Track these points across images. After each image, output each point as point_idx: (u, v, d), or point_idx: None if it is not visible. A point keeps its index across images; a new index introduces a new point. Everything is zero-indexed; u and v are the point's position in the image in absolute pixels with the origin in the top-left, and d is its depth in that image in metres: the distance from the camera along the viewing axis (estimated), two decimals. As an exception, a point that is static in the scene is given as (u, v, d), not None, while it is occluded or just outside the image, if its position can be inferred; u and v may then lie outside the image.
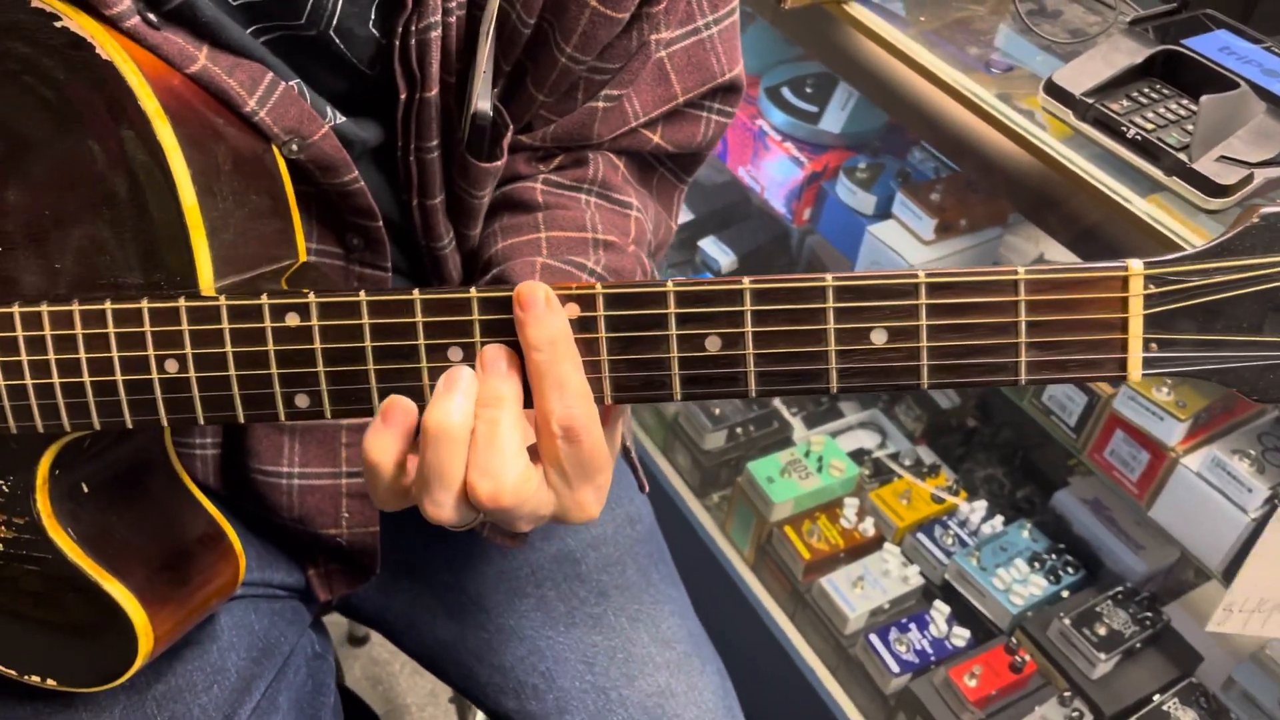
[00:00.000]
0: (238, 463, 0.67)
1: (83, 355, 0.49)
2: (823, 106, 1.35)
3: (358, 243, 0.61)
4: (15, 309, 0.50)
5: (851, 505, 1.34)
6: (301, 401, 0.48)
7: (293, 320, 0.48)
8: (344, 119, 0.58)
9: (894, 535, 1.32)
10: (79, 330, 0.49)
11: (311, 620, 0.78)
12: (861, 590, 1.26)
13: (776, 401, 1.49)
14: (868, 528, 1.33)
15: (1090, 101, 0.89)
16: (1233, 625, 0.61)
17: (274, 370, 0.48)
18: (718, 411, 1.43)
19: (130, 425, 0.50)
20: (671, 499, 1.45)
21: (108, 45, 0.48)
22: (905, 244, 1.25)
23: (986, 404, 1.43)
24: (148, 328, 0.49)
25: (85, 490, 0.56)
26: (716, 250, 1.54)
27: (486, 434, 0.45)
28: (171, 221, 0.49)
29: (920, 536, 1.30)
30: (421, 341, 0.47)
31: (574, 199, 0.66)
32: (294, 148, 0.54)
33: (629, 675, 0.75)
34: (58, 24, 0.48)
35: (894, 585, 1.27)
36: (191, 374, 0.49)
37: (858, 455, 1.41)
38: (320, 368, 0.48)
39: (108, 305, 0.49)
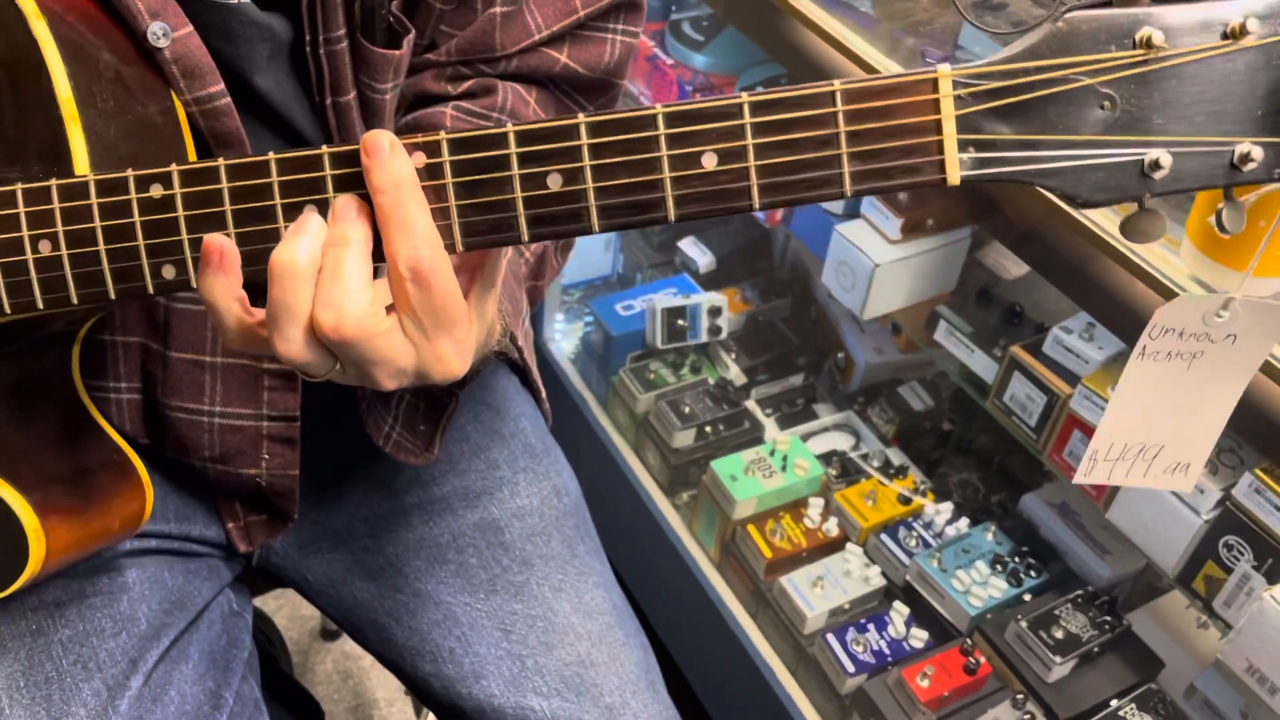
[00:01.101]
0: (156, 404, 0.68)
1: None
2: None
3: None
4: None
5: (816, 505, 1.33)
6: (168, 272, 0.50)
7: (156, 191, 0.49)
8: (247, 0, 0.59)
9: (858, 536, 1.30)
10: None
11: (231, 580, 0.78)
12: (821, 590, 1.25)
13: (750, 402, 1.49)
14: (831, 528, 1.31)
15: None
16: (1099, 475, 0.61)
17: (140, 242, 0.50)
18: (687, 410, 1.43)
19: (8, 310, 0.51)
20: (640, 497, 1.44)
21: None
22: (872, 243, 1.25)
23: (961, 406, 1.42)
24: (21, 209, 0.51)
25: None
26: (695, 250, 1.55)
27: (331, 269, 0.46)
28: (49, 116, 0.51)
29: (884, 538, 1.28)
30: (278, 201, 0.48)
31: (483, 126, 0.68)
32: (158, 34, 0.55)
33: (547, 644, 0.75)
34: None
35: (855, 585, 1.25)
36: (64, 251, 0.50)
37: (829, 457, 1.40)
38: (184, 235, 0.49)
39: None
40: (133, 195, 0.50)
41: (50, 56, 0.51)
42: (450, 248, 0.48)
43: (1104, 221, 0.85)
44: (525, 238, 0.48)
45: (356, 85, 0.62)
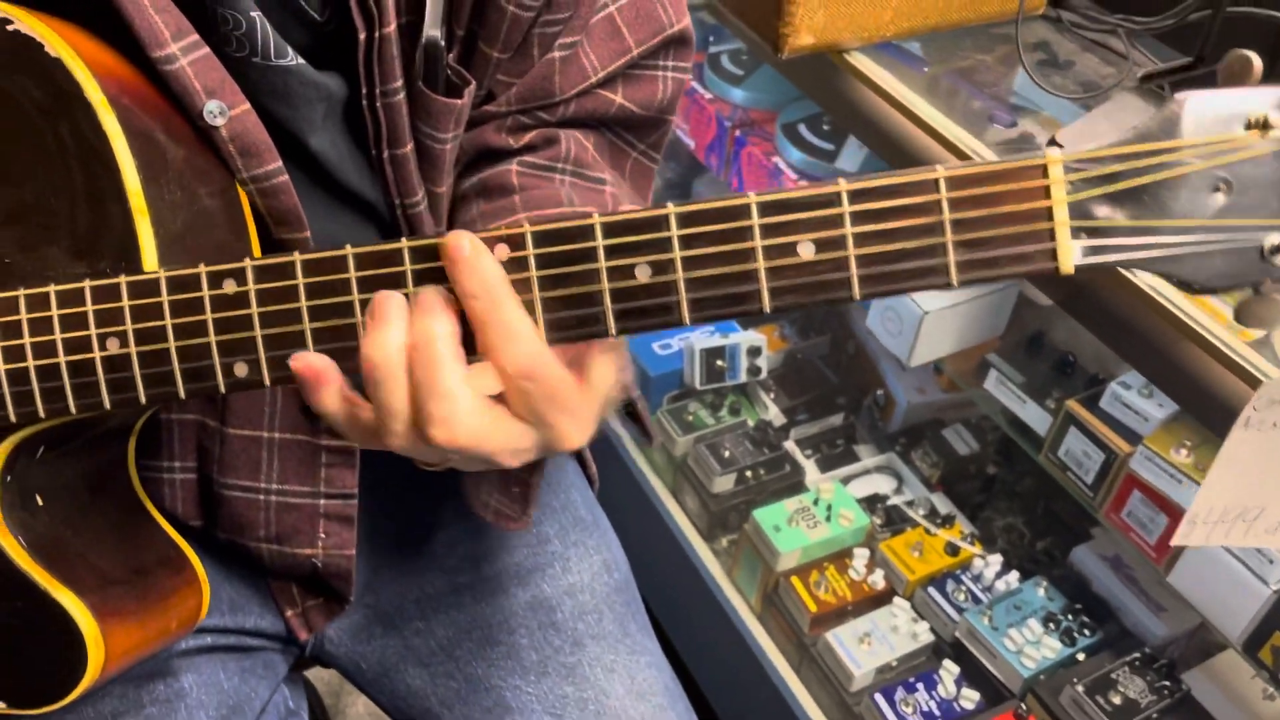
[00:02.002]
0: (211, 482, 0.66)
1: (26, 340, 0.49)
2: (839, 145, 1.34)
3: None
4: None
5: (861, 556, 1.30)
6: (240, 370, 0.48)
7: (230, 287, 0.47)
8: (303, 61, 0.57)
9: (904, 589, 1.27)
10: (23, 315, 0.49)
11: (286, 674, 0.76)
12: (869, 646, 1.22)
13: (789, 444, 1.46)
14: (877, 580, 1.28)
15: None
16: (1198, 538, 0.60)
17: (212, 339, 0.47)
18: (727, 454, 1.41)
19: (74, 410, 0.49)
20: (679, 542, 1.42)
21: (55, 43, 0.49)
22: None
23: (1008, 452, 1.39)
24: (89, 307, 0.48)
25: (39, 503, 0.55)
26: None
27: (428, 381, 0.44)
28: (117, 208, 0.49)
29: (931, 591, 1.25)
30: (355, 297, 0.46)
31: (549, 179, 0.66)
32: (215, 112, 0.53)
33: None
34: (9, 28, 0.49)
35: (903, 642, 1.22)
36: (132, 349, 0.48)
37: (871, 501, 1.37)
38: (257, 332, 0.47)
39: (51, 289, 0.49)
40: (205, 292, 0.47)
41: (119, 149, 0.49)
42: None
43: (1152, 278, 0.82)
44: (613, 331, 0.46)
45: (414, 136, 0.61)
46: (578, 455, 0.85)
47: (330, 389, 0.46)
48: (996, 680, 1.17)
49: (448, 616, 0.75)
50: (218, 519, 0.66)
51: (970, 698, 1.17)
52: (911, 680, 1.19)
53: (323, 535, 0.67)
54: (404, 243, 0.46)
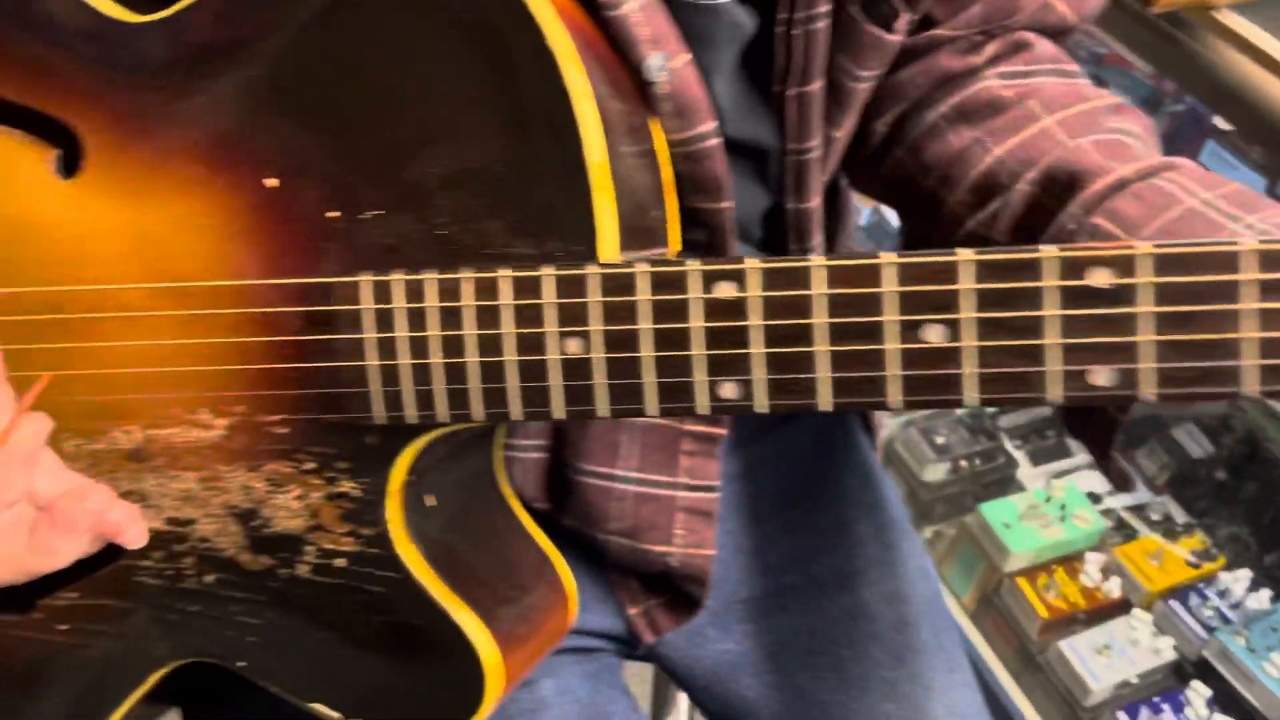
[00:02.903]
0: (564, 467, 0.59)
1: (471, 332, 0.42)
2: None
3: (700, 237, 0.53)
4: (399, 276, 0.43)
5: (1094, 561, 1.21)
6: (728, 391, 0.40)
7: (726, 291, 0.40)
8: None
9: (1142, 600, 1.18)
10: (468, 303, 0.42)
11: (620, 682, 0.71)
12: (1107, 659, 1.14)
13: (1003, 435, 1.37)
14: (1112, 588, 1.20)
15: None
16: None
17: (698, 351, 0.40)
18: (941, 441, 1.32)
19: (520, 416, 0.43)
20: (881, 532, 1.34)
21: None
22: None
23: (1252, 453, 1.29)
24: (550, 299, 0.41)
25: (431, 504, 0.48)
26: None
27: None
28: (574, 181, 0.42)
29: (1174, 605, 1.16)
30: (890, 317, 0.38)
31: (1040, 83, 0.55)
32: (657, 66, 0.46)
33: None
34: None
35: (1144, 657, 1.14)
36: (597, 355, 0.41)
37: (1091, 500, 1.28)
38: (757, 349, 0.40)
39: (502, 273, 0.42)
40: (693, 295, 0.40)
41: (583, 114, 0.41)
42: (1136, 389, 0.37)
43: None
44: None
45: (829, 72, 0.53)
46: (868, 429, 0.78)
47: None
48: (1252, 706, 1.09)
49: (774, 621, 0.70)
50: (567, 506, 0.60)
51: (1224, 724, 1.09)
52: (1156, 699, 1.11)
53: (680, 531, 0.61)
54: (962, 254, 0.37)
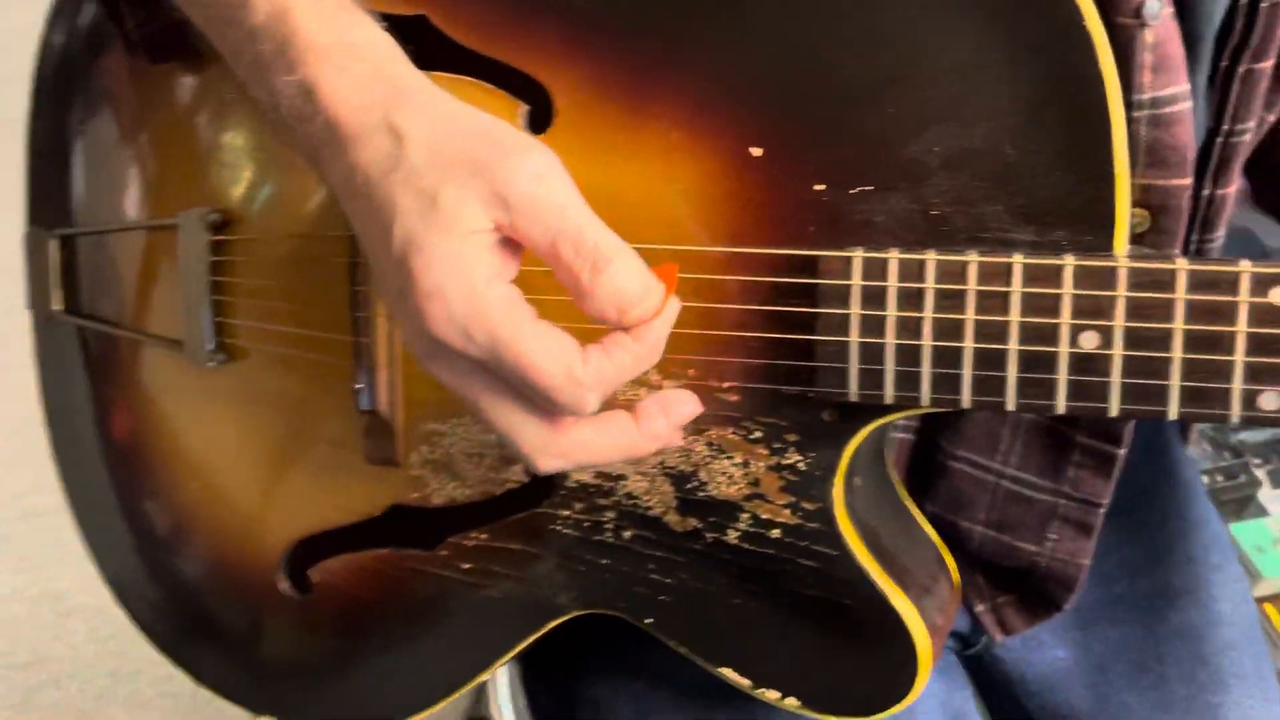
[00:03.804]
0: (936, 451, 0.58)
1: (971, 316, 0.41)
2: None
3: (1138, 222, 0.50)
4: (895, 255, 0.42)
5: (1353, 594, 1.15)
6: (1268, 402, 0.38)
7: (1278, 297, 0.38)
8: None
9: None
10: (972, 286, 0.41)
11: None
12: (1366, 697, 1.07)
13: (1247, 452, 1.30)
14: (1373, 625, 1.13)
15: None
16: None
17: (1239, 357, 0.38)
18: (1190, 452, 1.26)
19: (1013, 406, 0.42)
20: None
21: None
22: None
23: None
24: (1068, 290, 0.40)
25: (859, 485, 0.48)
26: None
27: None
28: (1096, 171, 0.40)
29: None
30: None
31: None
32: (1152, 12, 0.43)
33: None
34: None
35: None
36: (1115, 352, 0.40)
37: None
38: None
39: (1017, 259, 0.40)
40: (1241, 299, 0.38)
41: (1116, 100, 0.40)
42: None
43: None
44: None
45: None
46: (1185, 436, 0.75)
47: None
48: None
49: (1103, 632, 0.68)
50: (933, 490, 0.60)
51: None
52: None
53: (1052, 537, 0.59)
54: None
